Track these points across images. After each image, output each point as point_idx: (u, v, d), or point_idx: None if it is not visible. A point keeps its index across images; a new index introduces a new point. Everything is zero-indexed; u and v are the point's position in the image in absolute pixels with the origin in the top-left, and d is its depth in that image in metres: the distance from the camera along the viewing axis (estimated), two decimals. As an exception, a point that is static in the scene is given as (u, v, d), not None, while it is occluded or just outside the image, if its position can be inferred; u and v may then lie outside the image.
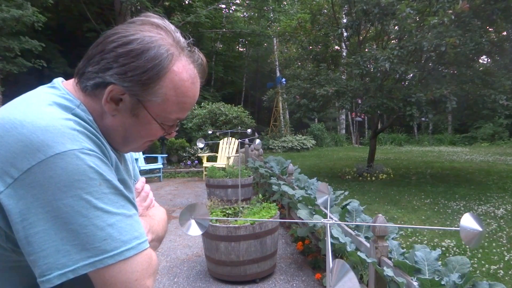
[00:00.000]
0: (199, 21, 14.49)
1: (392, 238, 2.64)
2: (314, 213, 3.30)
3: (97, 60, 0.66)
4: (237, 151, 8.96)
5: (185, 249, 4.25)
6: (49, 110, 0.61)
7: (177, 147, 11.92)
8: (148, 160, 9.98)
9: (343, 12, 10.40)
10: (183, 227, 0.80)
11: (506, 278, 3.28)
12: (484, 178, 8.61)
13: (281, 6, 19.55)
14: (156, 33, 0.67)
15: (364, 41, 9.75)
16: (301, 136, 18.05)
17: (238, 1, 21.09)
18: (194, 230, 0.80)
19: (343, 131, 22.93)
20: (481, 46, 6.95)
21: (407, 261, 2.06)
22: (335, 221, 2.76)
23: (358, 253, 2.35)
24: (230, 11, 22.76)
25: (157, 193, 7.70)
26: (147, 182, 0.92)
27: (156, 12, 0.74)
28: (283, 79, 15.19)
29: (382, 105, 7.51)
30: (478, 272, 3.41)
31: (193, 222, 0.80)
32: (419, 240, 4.30)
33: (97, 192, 0.59)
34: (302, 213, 3.24)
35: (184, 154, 11.77)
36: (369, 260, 2.18)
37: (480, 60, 9.24)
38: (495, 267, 3.50)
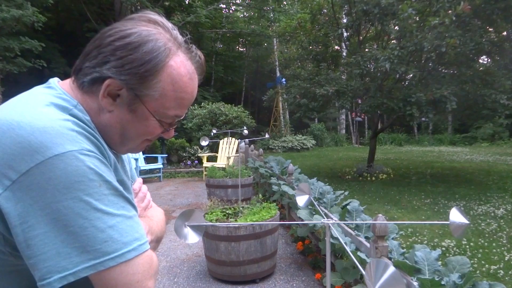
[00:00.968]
0: (199, 21, 14.49)
1: (392, 238, 2.63)
2: (314, 213, 3.30)
3: (94, 55, 0.66)
4: (237, 151, 8.96)
5: (185, 249, 4.25)
6: (46, 110, 0.60)
7: (177, 147, 11.92)
8: (148, 160, 9.98)
9: (343, 12, 10.39)
10: (180, 237, 0.78)
11: (506, 278, 3.28)
12: (484, 178, 8.61)
13: (281, 6, 19.55)
14: (154, 28, 0.68)
15: (364, 41, 9.76)
16: (301, 136, 18.05)
17: (238, 1, 21.10)
18: (192, 237, 0.78)
19: (343, 131, 22.92)
20: (481, 46, 6.95)
21: (407, 261, 2.06)
22: (335, 221, 2.76)
23: (358, 253, 2.35)
24: (230, 11, 22.77)
25: (157, 193, 7.70)
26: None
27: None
28: (283, 79, 15.19)
29: (382, 105, 7.51)
30: (478, 272, 3.40)
31: (188, 229, 0.78)
32: (419, 240, 4.30)
33: (97, 194, 0.58)
34: (302, 213, 3.24)
35: (184, 154, 11.77)
36: (369, 260, 2.18)
37: (480, 60, 9.23)
38: (495, 267, 3.50)
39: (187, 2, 16.60)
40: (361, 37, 9.54)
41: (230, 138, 9.42)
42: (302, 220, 3.34)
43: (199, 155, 10.77)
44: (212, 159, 10.10)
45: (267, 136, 5.18)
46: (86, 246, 0.55)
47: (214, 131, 7.89)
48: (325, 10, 10.03)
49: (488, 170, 9.70)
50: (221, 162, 9.15)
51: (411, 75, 8.21)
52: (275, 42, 21.13)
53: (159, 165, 9.40)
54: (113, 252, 0.57)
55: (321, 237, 3.54)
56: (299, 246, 4.01)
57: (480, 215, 5.41)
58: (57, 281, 0.54)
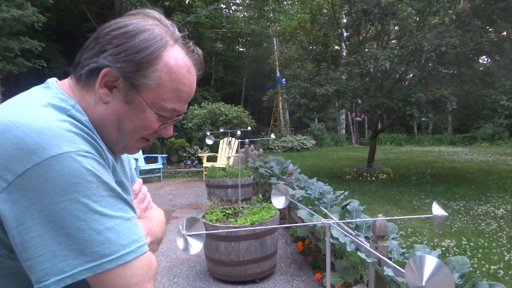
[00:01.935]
0: (199, 21, 14.47)
1: (392, 238, 2.63)
2: (314, 213, 3.29)
3: (92, 46, 0.67)
4: (237, 151, 8.96)
5: (185, 249, 4.24)
6: (43, 111, 0.60)
7: (177, 147, 11.93)
8: (148, 160, 9.98)
9: (343, 12, 10.39)
10: (183, 249, 0.74)
11: (506, 278, 3.28)
12: (484, 178, 8.61)
13: (281, 6, 19.55)
14: (151, 21, 0.69)
15: (364, 41, 9.75)
16: (301, 136, 18.06)
17: (238, 1, 21.10)
18: (194, 246, 0.74)
19: (343, 131, 22.92)
20: (481, 46, 6.95)
21: (407, 261, 2.05)
22: (335, 220, 2.76)
23: (358, 253, 2.35)
24: (230, 11, 22.76)
25: (157, 193, 7.70)
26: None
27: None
28: (283, 79, 15.19)
29: (382, 105, 7.51)
30: (478, 272, 3.40)
31: (188, 239, 0.75)
32: (419, 240, 4.30)
33: (95, 195, 0.57)
34: (302, 213, 3.24)
35: (184, 154, 11.77)
36: (369, 260, 2.18)
37: (480, 60, 9.24)
38: (495, 267, 3.50)
39: (187, 2, 16.60)
40: (361, 37, 9.53)
41: (230, 138, 9.42)
42: (302, 220, 3.34)
43: (199, 155, 10.77)
44: (212, 159, 10.10)
45: (273, 136, 5.11)
46: (83, 248, 0.55)
47: (221, 130, 7.85)
48: (325, 10, 10.03)
49: (488, 170, 9.70)
50: (221, 162, 9.15)
51: (411, 75, 8.22)
52: (275, 42, 21.13)
53: (159, 165, 9.39)
54: (111, 254, 0.56)
55: (321, 237, 3.53)
56: (299, 246, 4.01)
57: (480, 215, 5.40)
58: (54, 283, 0.53)
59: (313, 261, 3.62)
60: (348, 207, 3.15)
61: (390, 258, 2.20)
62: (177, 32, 0.71)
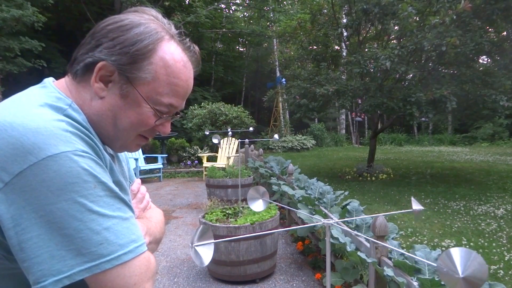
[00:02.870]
0: (199, 21, 14.48)
1: (392, 238, 2.63)
2: (314, 213, 3.29)
3: (88, 41, 0.67)
4: (237, 151, 8.96)
5: (185, 249, 4.24)
6: (40, 111, 0.59)
7: (177, 147, 11.93)
8: (148, 160, 9.99)
9: (343, 12, 10.39)
10: (196, 262, 0.71)
11: (506, 278, 3.27)
12: (484, 178, 8.61)
13: (281, 6, 19.55)
14: (148, 17, 0.69)
15: (364, 41, 9.75)
16: (301, 136, 18.05)
17: (238, 1, 21.09)
18: (205, 256, 0.71)
19: (343, 131, 22.91)
20: (481, 46, 6.94)
21: (407, 261, 2.05)
22: (335, 220, 2.75)
23: (358, 253, 2.35)
24: (230, 11, 22.76)
25: (157, 193, 7.70)
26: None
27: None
28: (283, 79, 15.19)
29: (382, 104, 7.50)
30: (478, 272, 3.40)
31: (199, 249, 0.71)
32: (419, 240, 4.30)
33: (92, 195, 0.56)
34: (302, 213, 3.24)
35: (184, 154, 11.77)
36: (369, 260, 2.18)
37: (480, 60, 9.23)
38: (495, 267, 3.50)
39: (187, 2, 16.60)
40: (361, 37, 9.53)
41: (230, 138, 9.42)
42: (302, 220, 3.34)
43: (199, 155, 10.77)
44: (212, 159, 10.10)
45: (276, 137, 5.09)
46: (81, 248, 0.54)
47: (228, 130, 7.85)
48: (325, 10, 10.02)
49: (488, 170, 9.70)
50: (221, 162, 9.15)
51: (411, 75, 8.21)
52: (275, 42, 21.12)
53: (159, 165, 9.40)
54: (109, 254, 0.56)
55: (321, 237, 3.53)
56: (299, 246, 4.01)
57: (480, 215, 5.40)
58: (52, 284, 0.53)
59: (313, 261, 3.62)
60: (348, 207, 3.15)
61: (390, 258, 2.20)
62: (174, 29, 0.71)
